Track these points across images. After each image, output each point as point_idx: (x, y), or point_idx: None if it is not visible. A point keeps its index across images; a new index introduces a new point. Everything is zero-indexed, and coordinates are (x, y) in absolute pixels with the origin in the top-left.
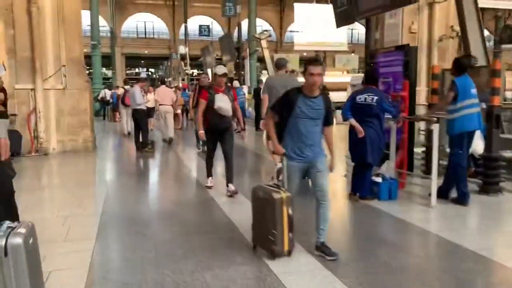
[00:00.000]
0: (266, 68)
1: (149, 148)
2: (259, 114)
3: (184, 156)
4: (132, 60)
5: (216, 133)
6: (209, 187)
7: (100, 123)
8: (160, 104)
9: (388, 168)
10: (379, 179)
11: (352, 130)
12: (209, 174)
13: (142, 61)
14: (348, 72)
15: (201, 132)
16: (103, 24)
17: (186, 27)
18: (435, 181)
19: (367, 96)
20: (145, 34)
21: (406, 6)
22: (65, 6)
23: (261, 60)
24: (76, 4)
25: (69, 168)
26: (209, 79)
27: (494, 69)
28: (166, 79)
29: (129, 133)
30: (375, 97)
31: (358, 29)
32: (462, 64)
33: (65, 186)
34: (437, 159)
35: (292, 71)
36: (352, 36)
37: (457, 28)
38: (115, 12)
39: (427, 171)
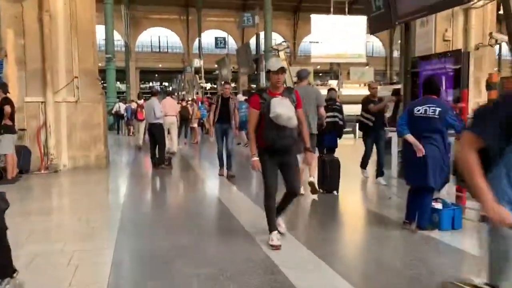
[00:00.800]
0: None
1: (165, 164)
2: None
3: (204, 174)
4: (146, 74)
5: (277, 155)
6: (277, 247)
7: (114, 137)
8: (165, 115)
9: (449, 192)
10: (439, 206)
11: (408, 148)
12: (273, 225)
13: (156, 75)
14: (365, 85)
15: (255, 159)
16: (118, 39)
17: (200, 41)
18: None
19: (427, 108)
20: (159, 48)
21: (448, 10)
22: (79, 14)
23: None
24: (90, 13)
25: (80, 188)
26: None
27: None
28: (180, 92)
29: (139, 148)
30: (438, 109)
31: (373, 41)
32: None
33: (75, 210)
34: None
35: (308, 84)
36: (366, 48)
37: (497, 35)
38: (130, 27)
39: None
